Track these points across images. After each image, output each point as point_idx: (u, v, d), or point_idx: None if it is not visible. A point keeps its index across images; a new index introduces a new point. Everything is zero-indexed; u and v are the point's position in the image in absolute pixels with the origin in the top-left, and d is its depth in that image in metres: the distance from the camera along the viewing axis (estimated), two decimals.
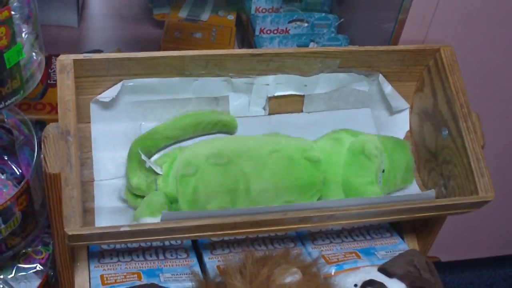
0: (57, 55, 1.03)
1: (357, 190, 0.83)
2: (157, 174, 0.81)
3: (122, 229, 0.71)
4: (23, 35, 0.73)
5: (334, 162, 0.84)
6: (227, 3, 1.29)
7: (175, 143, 0.85)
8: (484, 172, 0.84)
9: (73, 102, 0.75)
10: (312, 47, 1.16)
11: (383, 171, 0.85)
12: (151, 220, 0.76)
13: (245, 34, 1.24)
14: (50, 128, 0.74)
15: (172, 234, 0.74)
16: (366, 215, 0.80)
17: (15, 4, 0.69)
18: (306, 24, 1.18)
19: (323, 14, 1.18)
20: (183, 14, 1.24)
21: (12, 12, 0.68)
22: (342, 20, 1.18)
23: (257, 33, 1.17)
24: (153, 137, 0.83)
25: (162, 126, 0.84)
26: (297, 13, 1.18)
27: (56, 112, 0.97)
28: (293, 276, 0.72)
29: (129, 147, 0.82)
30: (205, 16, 1.24)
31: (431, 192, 0.84)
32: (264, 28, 1.17)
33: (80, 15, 1.26)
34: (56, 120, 0.76)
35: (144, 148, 0.82)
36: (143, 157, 0.80)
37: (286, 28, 1.18)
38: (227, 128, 0.87)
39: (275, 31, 1.18)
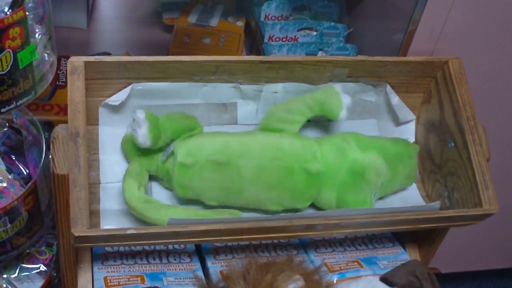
0: (66, 57, 1.05)
1: (349, 206, 0.84)
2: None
3: (128, 231, 0.71)
4: (37, 35, 0.74)
5: (333, 177, 0.84)
6: (237, 9, 1.30)
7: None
8: (488, 185, 0.84)
9: (83, 104, 0.75)
10: (321, 55, 1.17)
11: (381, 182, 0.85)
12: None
13: (254, 41, 1.24)
14: (59, 129, 0.75)
15: (178, 238, 0.74)
16: (370, 224, 0.80)
17: (29, 4, 0.70)
18: (315, 33, 1.18)
19: (332, 23, 1.18)
20: (192, 19, 1.24)
21: (27, 13, 0.69)
22: (351, 29, 1.18)
23: (266, 40, 1.17)
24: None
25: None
26: (306, 21, 1.19)
27: (64, 114, 0.98)
28: (296, 283, 0.72)
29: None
30: (214, 22, 1.24)
31: (436, 204, 0.84)
32: (273, 36, 1.17)
33: (89, 17, 1.26)
34: (64, 122, 0.76)
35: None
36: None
37: (295, 36, 1.18)
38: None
39: (284, 39, 1.18)
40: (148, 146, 0.79)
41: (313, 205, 0.88)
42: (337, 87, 0.86)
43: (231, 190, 0.82)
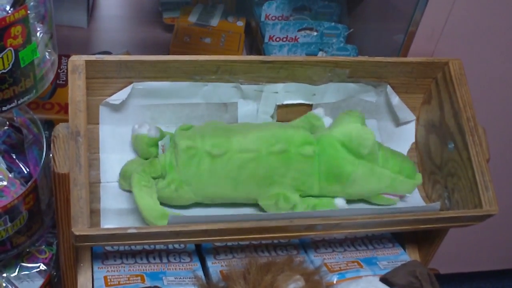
0: (66, 56, 1.05)
1: (347, 132, 0.83)
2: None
3: (129, 231, 0.71)
4: (38, 34, 0.74)
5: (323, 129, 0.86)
6: (237, 9, 1.30)
7: None
8: (488, 186, 0.84)
9: (83, 103, 0.75)
10: (321, 56, 1.17)
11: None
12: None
13: (254, 41, 1.24)
14: (60, 128, 0.75)
15: (178, 237, 0.74)
16: (371, 224, 0.80)
17: (31, 3, 0.70)
18: (315, 33, 1.18)
19: (333, 24, 1.18)
20: (192, 18, 1.24)
21: (28, 11, 0.69)
22: (351, 30, 1.18)
23: (266, 40, 1.17)
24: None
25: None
26: (307, 21, 1.19)
27: (65, 112, 0.98)
28: (296, 283, 0.73)
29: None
30: (215, 21, 1.24)
31: (436, 205, 0.84)
32: (274, 36, 1.17)
33: (89, 16, 1.26)
34: (64, 120, 0.76)
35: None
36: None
37: (295, 37, 1.18)
38: None
39: (284, 39, 1.18)
40: (158, 136, 0.83)
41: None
42: (320, 112, 0.89)
43: (232, 133, 0.82)
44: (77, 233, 0.70)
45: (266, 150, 0.81)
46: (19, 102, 0.75)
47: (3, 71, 0.70)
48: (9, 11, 0.71)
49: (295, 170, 0.82)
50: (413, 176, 0.88)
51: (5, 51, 0.69)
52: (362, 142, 0.82)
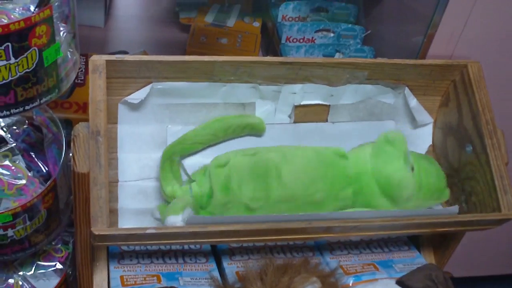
0: (83, 55, 1.05)
1: (388, 177, 0.83)
2: (192, 181, 0.83)
3: (148, 231, 0.71)
4: (61, 34, 0.74)
5: (361, 157, 0.86)
6: (254, 10, 1.30)
7: (205, 147, 0.86)
8: (507, 189, 0.84)
9: (104, 103, 0.76)
10: (338, 57, 1.16)
11: (413, 169, 0.85)
12: (174, 218, 0.76)
13: (270, 42, 1.24)
14: (80, 128, 0.75)
15: (196, 238, 0.74)
16: (389, 227, 0.80)
17: (55, 3, 0.70)
18: (332, 34, 1.18)
19: (350, 25, 1.18)
20: (209, 19, 1.24)
21: (53, 11, 0.69)
22: (368, 31, 1.18)
23: (283, 41, 1.17)
24: (184, 143, 0.83)
25: (192, 133, 0.84)
26: (324, 23, 1.19)
27: (83, 111, 0.98)
28: (312, 285, 0.73)
29: (161, 155, 0.82)
30: (231, 22, 1.24)
31: (455, 208, 0.84)
32: (291, 37, 1.17)
33: (107, 16, 1.26)
34: (82, 120, 0.76)
35: (174, 154, 0.83)
36: (183, 165, 0.83)
37: (312, 38, 1.18)
38: (256, 131, 0.88)
39: (301, 40, 1.18)
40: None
41: None
42: None
43: (269, 178, 0.82)
44: (96, 232, 0.70)
45: (304, 200, 0.83)
46: (41, 101, 0.75)
47: (27, 70, 0.70)
48: (34, 11, 0.71)
49: (331, 207, 0.85)
50: (441, 196, 0.90)
51: (30, 50, 0.69)
52: (401, 192, 0.84)
